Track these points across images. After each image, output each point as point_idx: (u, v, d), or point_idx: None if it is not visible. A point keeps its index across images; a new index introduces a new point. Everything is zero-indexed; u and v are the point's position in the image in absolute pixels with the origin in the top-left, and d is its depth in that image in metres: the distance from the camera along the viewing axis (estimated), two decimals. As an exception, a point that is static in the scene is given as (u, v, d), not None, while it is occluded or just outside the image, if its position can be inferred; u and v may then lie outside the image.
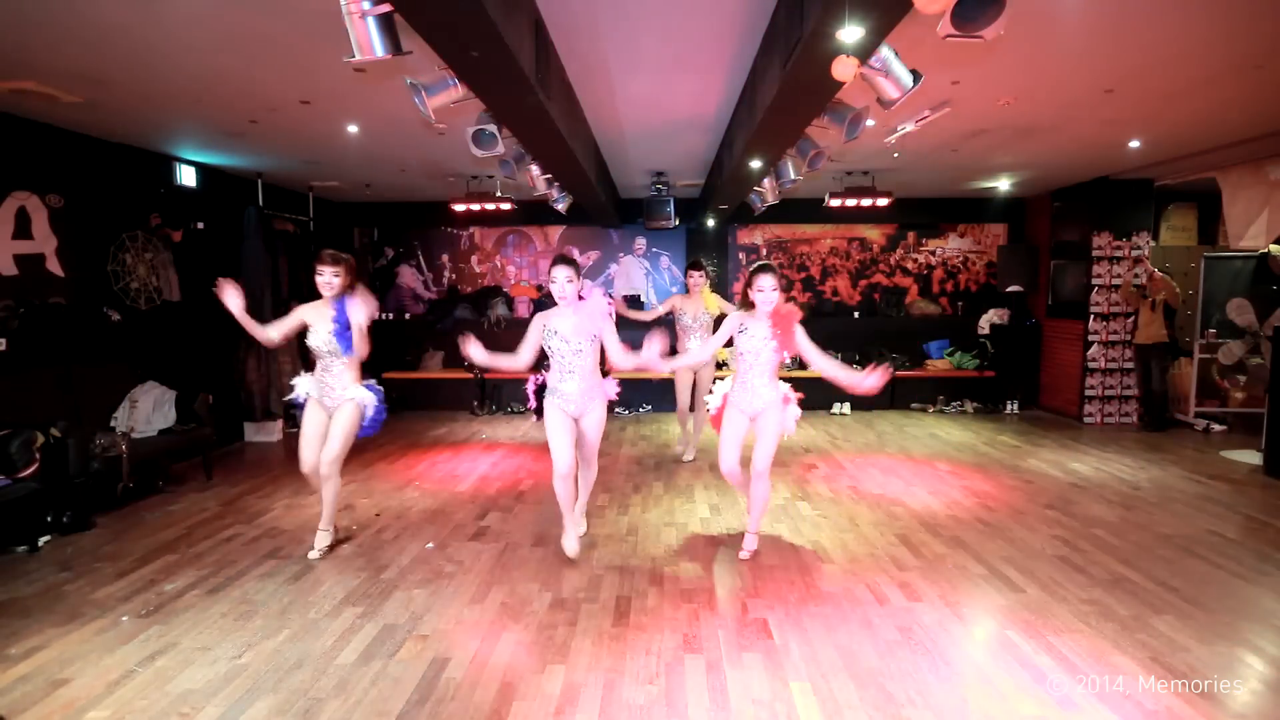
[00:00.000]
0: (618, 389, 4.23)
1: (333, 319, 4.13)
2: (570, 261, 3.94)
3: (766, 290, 3.96)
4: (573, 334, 3.93)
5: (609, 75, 4.55)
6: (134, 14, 3.40)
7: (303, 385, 4.39)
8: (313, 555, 4.23)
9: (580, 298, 3.99)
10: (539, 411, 4.13)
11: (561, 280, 3.90)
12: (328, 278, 4.10)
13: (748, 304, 4.08)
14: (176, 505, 5.27)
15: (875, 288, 10.10)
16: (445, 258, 10.24)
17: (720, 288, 9.38)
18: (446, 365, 9.65)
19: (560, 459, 3.92)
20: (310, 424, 4.31)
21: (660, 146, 6.57)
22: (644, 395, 9.38)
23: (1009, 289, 9.24)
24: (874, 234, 10.07)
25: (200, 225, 6.98)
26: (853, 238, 10.08)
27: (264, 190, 7.69)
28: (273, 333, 4.23)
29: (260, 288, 7.19)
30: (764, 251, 10.11)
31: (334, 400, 4.27)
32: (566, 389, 4.00)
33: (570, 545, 4.13)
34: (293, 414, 8.19)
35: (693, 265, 5.68)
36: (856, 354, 9.46)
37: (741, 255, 10.12)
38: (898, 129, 5.08)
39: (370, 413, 4.31)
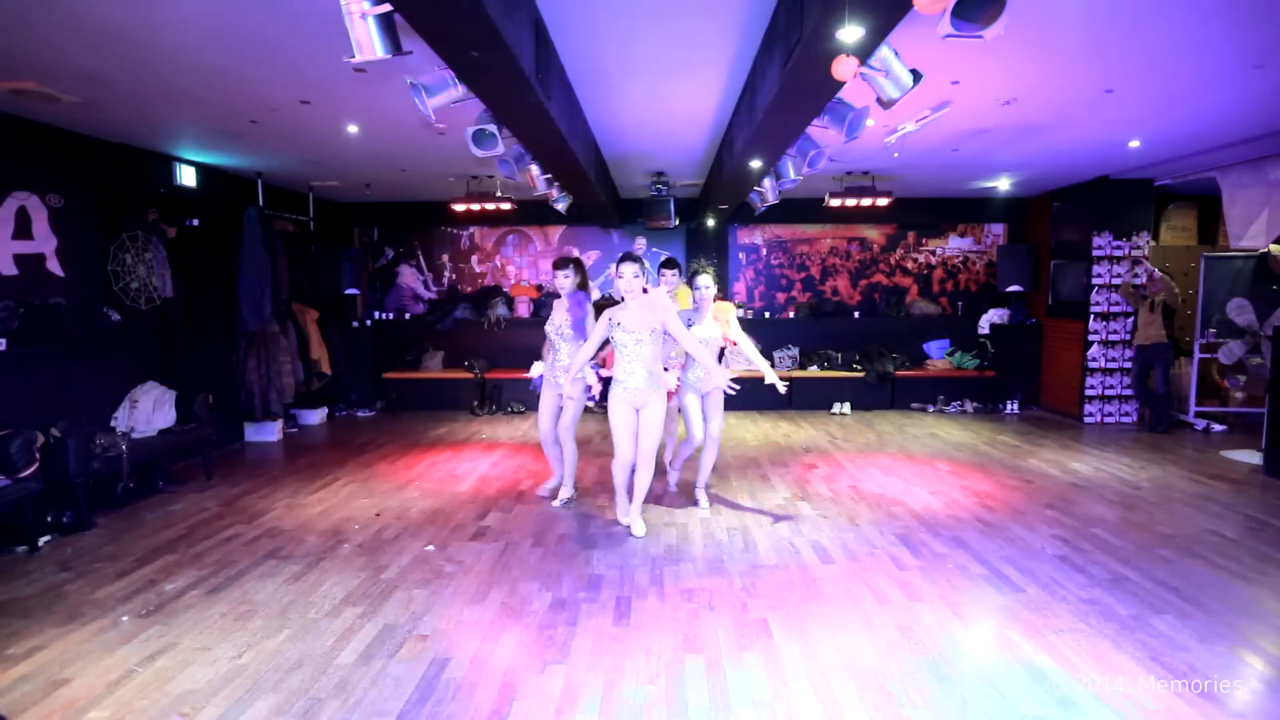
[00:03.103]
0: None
1: (567, 310, 4.99)
2: (637, 259, 4.37)
3: (704, 289, 4.80)
4: (636, 326, 4.30)
5: (609, 75, 4.55)
6: (134, 14, 3.40)
7: (537, 368, 5.30)
8: (555, 504, 5.15)
9: (644, 291, 4.41)
10: (603, 397, 4.50)
11: (629, 275, 4.29)
12: (560, 280, 5.04)
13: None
14: (176, 505, 5.27)
15: (875, 288, 10.10)
16: (445, 258, 10.24)
17: (720, 289, 9.35)
18: (446, 365, 9.66)
19: (622, 449, 4.47)
20: (545, 400, 5.17)
21: (660, 146, 6.57)
22: (644, 395, 9.36)
23: (1009, 289, 9.25)
24: (874, 234, 10.07)
25: (196, 222, 6.97)
26: (853, 238, 10.09)
27: (264, 190, 7.69)
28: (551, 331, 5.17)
29: (260, 288, 7.19)
30: (764, 251, 10.12)
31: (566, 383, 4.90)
32: (631, 381, 4.37)
33: (638, 527, 4.56)
34: (292, 414, 8.23)
35: (665, 264, 5.64)
36: (857, 354, 9.47)
37: (741, 255, 10.12)
38: (898, 129, 5.08)
39: (594, 386, 5.04)
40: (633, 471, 4.63)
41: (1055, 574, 3.91)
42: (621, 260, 4.38)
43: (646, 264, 4.40)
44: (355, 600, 3.64)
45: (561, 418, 5.10)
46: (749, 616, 3.43)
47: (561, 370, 4.98)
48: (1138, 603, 3.56)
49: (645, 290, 4.44)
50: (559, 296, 5.17)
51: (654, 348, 4.41)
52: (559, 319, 5.07)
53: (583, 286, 5.12)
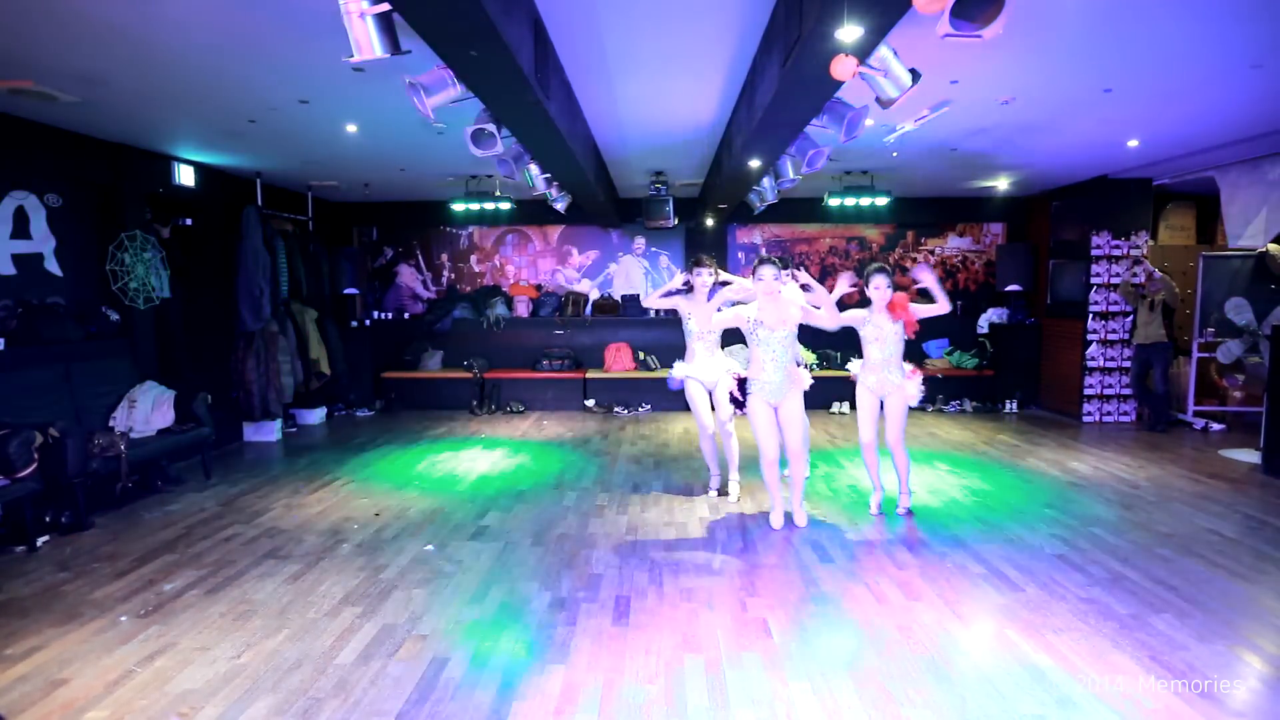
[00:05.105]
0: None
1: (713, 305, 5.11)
2: (773, 261, 4.50)
3: (883, 288, 4.95)
4: (776, 324, 4.47)
5: (609, 75, 4.55)
6: (133, 14, 3.40)
7: (680, 369, 5.34)
8: (731, 499, 5.24)
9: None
10: (741, 404, 4.61)
11: (769, 278, 4.45)
12: (704, 277, 5.21)
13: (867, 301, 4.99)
14: (175, 505, 5.26)
15: (874, 287, 10.08)
16: (444, 257, 10.24)
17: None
18: (446, 365, 9.65)
19: (766, 447, 4.55)
20: (697, 398, 5.25)
21: (660, 146, 6.57)
22: (642, 395, 9.38)
23: (1008, 288, 9.25)
24: (873, 233, 10.08)
25: (189, 221, 6.96)
26: (852, 237, 10.09)
27: (263, 190, 7.69)
28: (656, 298, 5.32)
29: (259, 287, 7.18)
30: (763, 251, 10.12)
31: (708, 377, 5.18)
32: (768, 378, 4.50)
33: (800, 518, 4.69)
34: (291, 414, 8.23)
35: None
36: (856, 354, 9.45)
37: (741, 255, 10.13)
38: (897, 128, 5.08)
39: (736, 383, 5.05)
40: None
41: (1054, 573, 3.91)
42: (762, 263, 4.47)
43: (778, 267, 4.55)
44: (354, 600, 3.64)
45: (718, 413, 5.23)
46: (748, 616, 3.43)
47: (703, 369, 5.21)
48: (1137, 602, 3.56)
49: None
50: (680, 293, 5.34)
51: (791, 345, 4.58)
52: (699, 317, 5.18)
53: (715, 283, 5.34)
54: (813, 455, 6.72)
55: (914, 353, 9.60)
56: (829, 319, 4.62)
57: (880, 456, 4.99)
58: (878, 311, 4.89)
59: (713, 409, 5.32)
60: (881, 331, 4.86)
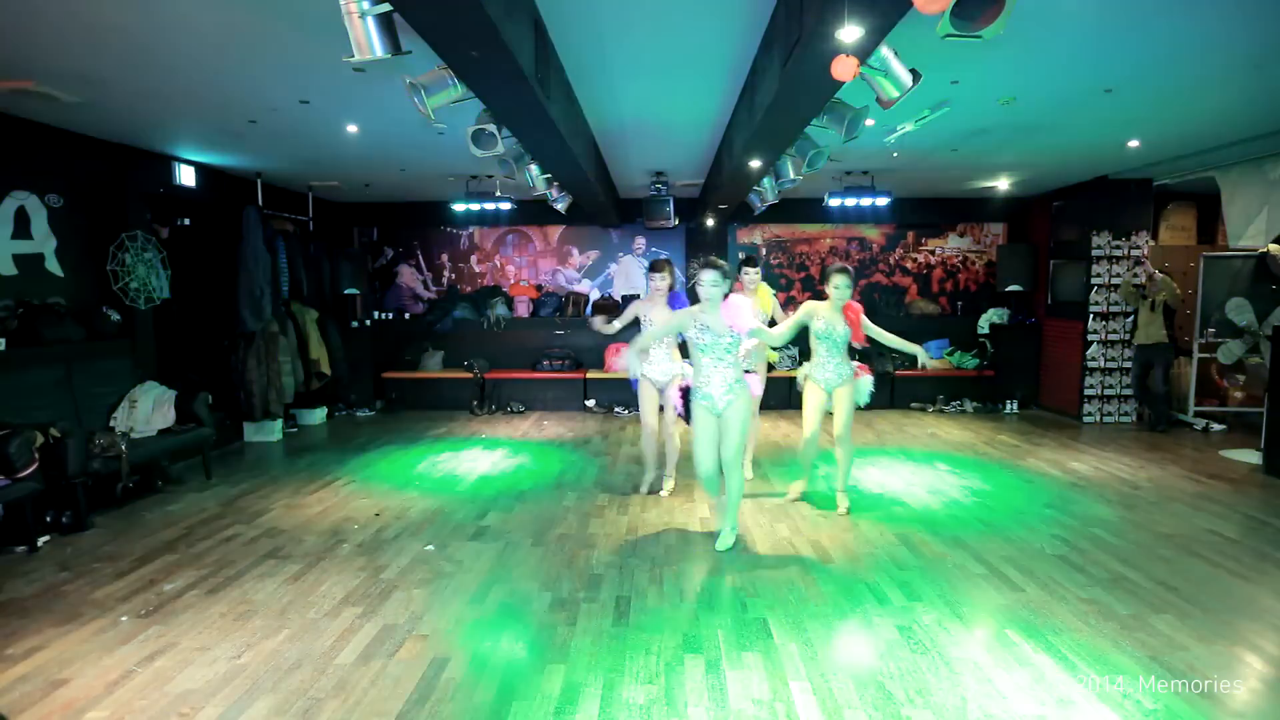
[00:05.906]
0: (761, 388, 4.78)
1: (668, 307, 5.18)
2: (718, 265, 4.23)
3: (843, 288, 4.88)
4: (720, 331, 4.20)
5: (609, 75, 4.55)
6: (133, 14, 3.40)
7: (634, 369, 5.14)
8: (663, 494, 5.39)
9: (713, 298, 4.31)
10: (688, 416, 4.47)
11: (707, 284, 4.17)
12: (657, 282, 5.26)
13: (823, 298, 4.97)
14: (176, 505, 5.26)
15: (875, 287, 10.10)
16: (445, 257, 10.24)
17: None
18: (446, 365, 9.65)
19: (700, 459, 4.26)
20: (645, 397, 5.36)
21: (660, 146, 6.57)
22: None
23: (1008, 288, 9.25)
24: (873, 233, 10.07)
25: (187, 221, 6.94)
26: (852, 237, 10.09)
27: (263, 190, 7.69)
28: (617, 324, 5.43)
29: (260, 287, 7.18)
30: (763, 251, 10.12)
31: (660, 377, 5.29)
32: (712, 388, 4.25)
33: (722, 540, 4.32)
34: (291, 414, 8.23)
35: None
36: (856, 354, 9.44)
37: (741, 255, 10.11)
38: (897, 129, 5.08)
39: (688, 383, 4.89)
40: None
41: (1054, 573, 3.91)
42: (704, 267, 4.19)
43: (726, 271, 4.28)
44: (355, 600, 3.64)
45: (665, 413, 5.34)
46: (748, 616, 3.43)
47: (659, 371, 5.27)
48: (1137, 602, 3.56)
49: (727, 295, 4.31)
50: (634, 299, 5.40)
51: (738, 351, 4.28)
52: (658, 320, 5.14)
53: (671, 287, 5.29)
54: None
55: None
56: (777, 336, 4.65)
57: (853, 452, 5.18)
58: (833, 310, 4.89)
59: (661, 409, 5.42)
60: (833, 329, 4.88)
